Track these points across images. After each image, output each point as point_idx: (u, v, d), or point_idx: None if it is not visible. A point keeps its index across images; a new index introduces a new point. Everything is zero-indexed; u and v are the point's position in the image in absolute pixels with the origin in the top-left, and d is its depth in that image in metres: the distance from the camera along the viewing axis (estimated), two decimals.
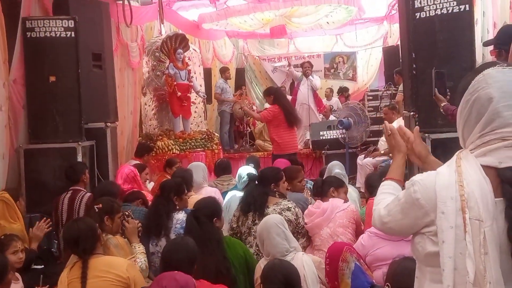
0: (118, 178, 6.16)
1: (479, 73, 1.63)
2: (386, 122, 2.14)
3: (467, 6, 4.82)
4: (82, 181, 5.20)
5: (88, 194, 4.96)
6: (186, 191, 4.64)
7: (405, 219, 1.70)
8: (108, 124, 6.22)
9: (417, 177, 1.67)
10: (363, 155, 8.37)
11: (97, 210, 3.69)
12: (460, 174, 1.57)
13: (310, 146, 9.71)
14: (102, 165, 6.06)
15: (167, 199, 4.36)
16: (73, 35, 5.63)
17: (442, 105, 4.20)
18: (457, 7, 4.82)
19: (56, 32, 5.59)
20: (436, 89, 4.22)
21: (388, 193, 1.88)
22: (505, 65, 1.62)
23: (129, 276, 3.09)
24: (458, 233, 1.53)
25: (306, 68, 10.36)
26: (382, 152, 7.87)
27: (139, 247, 3.74)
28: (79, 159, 5.56)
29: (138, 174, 6.35)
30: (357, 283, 2.84)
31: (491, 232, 1.51)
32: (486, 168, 1.58)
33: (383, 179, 2.00)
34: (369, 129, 8.90)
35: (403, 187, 1.95)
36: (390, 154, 7.55)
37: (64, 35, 5.61)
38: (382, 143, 7.97)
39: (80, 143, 5.62)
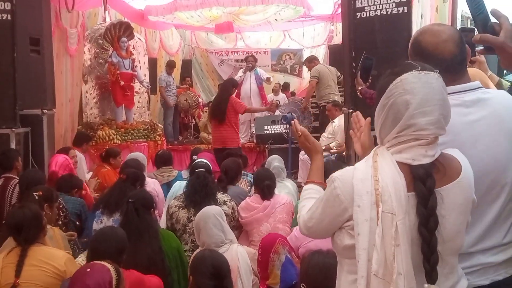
0: (52, 165, 5.98)
1: (397, 76, 1.66)
2: (295, 122, 2.16)
3: (405, 8, 4.97)
4: (15, 169, 5.05)
5: None
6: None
7: (326, 219, 1.73)
8: (45, 111, 6.03)
9: (337, 174, 1.71)
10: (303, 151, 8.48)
11: (37, 198, 3.59)
12: (376, 169, 1.62)
13: (254, 140, 9.77)
14: (38, 153, 5.87)
15: (131, 185, 4.47)
16: (9, 17, 5.43)
17: (359, 88, 4.32)
18: (396, 9, 4.96)
19: None
20: (359, 72, 4.33)
21: (310, 198, 1.91)
22: (421, 69, 1.66)
23: (66, 270, 3.04)
24: (372, 226, 1.58)
25: (250, 61, 10.38)
26: (323, 147, 8.01)
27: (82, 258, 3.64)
28: (13, 146, 5.38)
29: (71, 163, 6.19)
30: (285, 275, 2.89)
31: (403, 225, 1.56)
32: (401, 164, 1.64)
33: (305, 182, 2.02)
34: (312, 125, 9.05)
35: (324, 188, 2.00)
36: (332, 150, 7.75)
37: (0, 18, 5.40)
38: (324, 139, 8.10)
39: (14, 129, 5.44)
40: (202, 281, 2.76)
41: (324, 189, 1.93)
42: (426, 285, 1.57)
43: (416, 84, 1.62)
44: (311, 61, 9.57)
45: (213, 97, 10.47)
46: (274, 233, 3.35)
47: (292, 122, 2.17)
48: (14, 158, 5.08)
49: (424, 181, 1.59)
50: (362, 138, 2.00)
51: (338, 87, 9.13)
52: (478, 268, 1.95)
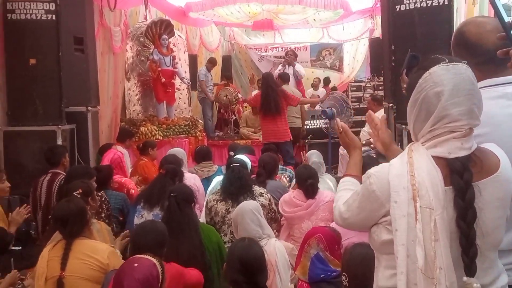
0: (104, 162, 6.16)
1: (425, 70, 1.66)
2: (337, 119, 2.18)
3: (446, 0, 4.87)
4: (62, 164, 5.21)
5: None
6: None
7: (363, 213, 1.74)
8: (89, 108, 6.21)
9: (372, 170, 1.72)
10: None
11: (79, 196, 3.70)
12: (412, 165, 1.62)
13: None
14: (83, 149, 6.07)
15: (170, 180, 4.55)
16: (54, 18, 5.62)
17: (404, 86, 4.26)
18: (436, 1, 4.87)
19: (37, 15, 5.57)
20: (405, 70, 4.27)
21: (347, 190, 1.93)
22: (449, 61, 1.65)
23: (109, 263, 3.12)
24: (410, 222, 1.58)
25: (290, 56, 10.35)
26: (364, 142, 7.89)
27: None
28: (59, 142, 5.57)
29: (124, 160, 6.37)
30: (312, 269, 2.89)
31: (442, 219, 1.56)
32: (437, 158, 1.63)
33: (342, 175, 2.04)
34: (352, 120, 8.96)
35: (361, 182, 2.00)
36: (372, 145, 7.66)
37: (45, 18, 5.60)
38: (364, 134, 8.01)
39: (60, 126, 5.64)
40: (231, 275, 2.79)
41: (361, 183, 1.94)
42: (465, 278, 1.56)
43: (446, 76, 1.62)
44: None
45: (254, 91, 10.54)
46: (320, 227, 3.35)
47: (336, 119, 2.19)
48: (62, 154, 5.25)
49: (461, 174, 1.58)
50: (381, 136, 2.01)
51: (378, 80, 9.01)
52: None
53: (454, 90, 1.61)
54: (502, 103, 1.87)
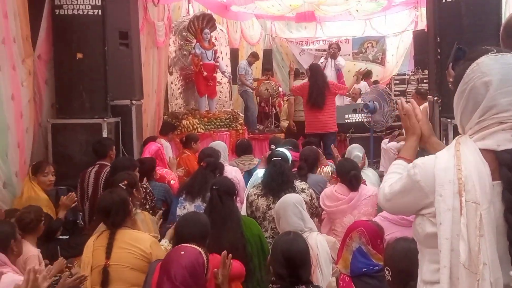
0: (145, 154, 6.29)
1: (473, 61, 1.64)
2: (402, 99, 2.13)
3: None
4: (109, 157, 5.35)
5: None
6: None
7: (405, 199, 1.73)
8: (134, 101, 6.33)
9: (418, 161, 1.70)
10: (387, 139, 8.32)
11: (124, 188, 3.79)
12: (459, 158, 1.59)
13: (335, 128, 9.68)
14: (127, 142, 6.18)
15: (211, 173, 4.63)
16: (100, 13, 5.73)
17: (450, 80, 4.16)
18: None
19: (84, 10, 5.70)
20: (451, 63, 4.17)
21: (396, 173, 1.91)
22: (496, 51, 1.63)
23: (151, 252, 3.20)
24: (455, 216, 1.55)
25: (333, 49, 10.25)
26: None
27: (165, 241, 3.78)
28: (105, 135, 5.70)
29: (164, 152, 6.47)
30: (354, 264, 2.88)
31: (488, 214, 1.53)
32: (485, 151, 1.60)
33: (395, 157, 2.03)
34: (395, 113, 8.81)
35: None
36: None
37: (92, 13, 5.72)
38: None
39: (105, 119, 5.77)
40: (275, 268, 2.81)
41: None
42: (511, 272, 1.53)
43: (494, 65, 1.60)
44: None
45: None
46: (362, 220, 3.33)
47: (401, 98, 2.15)
48: (109, 146, 5.39)
49: (510, 167, 1.55)
50: (422, 127, 1.96)
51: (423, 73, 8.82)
52: None
53: (503, 80, 1.58)
54: None
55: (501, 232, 1.55)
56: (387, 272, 2.27)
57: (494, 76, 1.59)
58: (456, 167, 1.58)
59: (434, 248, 1.61)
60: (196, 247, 2.58)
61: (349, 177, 4.34)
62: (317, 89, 7.88)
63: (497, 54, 1.62)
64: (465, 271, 1.53)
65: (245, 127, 9.51)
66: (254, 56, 11.28)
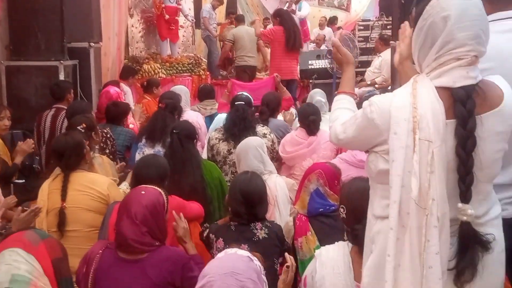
0: (102, 98, 6.15)
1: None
2: (333, 39, 2.13)
3: None
4: (66, 100, 5.22)
5: None
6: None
7: (360, 137, 1.75)
8: (92, 44, 6.13)
9: (375, 98, 1.71)
10: None
11: (83, 131, 3.71)
12: (415, 97, 1.61)
13: (298, 75, 9.66)
14: (85, 86, 6.04)
15: (170, 114, 4.57)
16: None
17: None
18: None
19: None
20: (414, 8, 4.15)
21: (343, 108, 1.93)
22: None
23: (109, 194, 3.17)
24: (408, 153, 1.58)
25: None
26: (369, 82, 7.87)
27: (125, 184, 3.71)
28: (61, 78, 5.54)
29: (123, 97, 6.34)
30: (311, 205, 2.93)
31: (440, 152, 1.56)
32: (441, 89, 1.61)
33: (336, 92, 2.03)
34: (358, 59, 8.83)
35: (355, 99, 1.99)
36: (376, 85, 7.60)
37: None
38: (369, 74, 7.95)
39: (62, 62, 5.59)
40: (233, 206, 2.85)
41: (355, 100, 1.92)
42: (460, 204, 1.58)
43: (453, 1, 1.61)
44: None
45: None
46: (320, 163, 3.36)
47: (336, 34, 2.16)
48: (67, 89, 5.25)
49: (464, 103, 1.57)
50: (401, 47, 1.94)
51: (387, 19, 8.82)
52: None
53: (462, 15, 1.59)
54: (511, 37, 1.82)
55: (451, 168, 1.59)
56: (341, 210, 2.31)
57: (453, 11, 1.59)
58: (412, 106, 1.60)
59: (385, 184, 1.64)
60: (156, 187, 2.57)
61: (308, 121, 4.37)
62: (293, 33, 7.81)
63: None
64: (415, 206, 1.56)
65: (208, 73, 9.39)
66: (218, 0, 11.00)
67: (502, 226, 1.73)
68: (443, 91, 1.61)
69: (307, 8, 10.43)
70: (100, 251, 2.40)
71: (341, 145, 1.92)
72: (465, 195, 1.58)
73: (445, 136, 1.58)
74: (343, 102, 1.98)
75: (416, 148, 1.56)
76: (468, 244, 1.60)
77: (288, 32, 7.78)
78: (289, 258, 2.25)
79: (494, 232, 1.66)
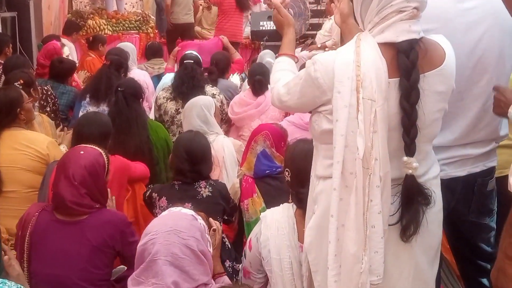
0: (42, 53, 5.86)
1: None
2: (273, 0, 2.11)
3: None
4: (4, 54, 4.97)
5: None
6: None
7: (303, 98, 1.72)
8: None
9: (318, 56, 1.69)
10: (299, 48, 8.32)
11: (20, 87, 3.52)
12: (358, 55, 1.59)
13: (249, 36, 9.53)
14: (25, 39, 5.77)
15: (116, 72, 4.43)
16: None
17: None
18: None
19: None
20: None
21: (285, 70, 1.90)
22: None
23: (49, 153, 3.04)
24: (351, 112, 1.57)
25: None
26: (319, 45, 7.85)
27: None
28: None
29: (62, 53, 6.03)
30: (257, 165, 2.92)
31: (382, 111, 1.56)
32: (384, 46, 1.60)
33: (276, 55, 2.01)
34: (309, 22, 8.78)
35: (296, 61, 1.97)
36: (327, 48, 7.60)
37: None
38: (320, 37, 7.92)
39: None
40: (176, 164, 2.80)
41: (296, 62, 1.90)
42: (405, 158, 1.59)
43: None
44: None
45: None
46: (267, 124, 3.34)
47: None
48: (5, 43, 5.00)
49: (408, 54, 1.57)
50: (341, 6, 1.95)
51: None
52: (456, 159, 1.98)
53: None
54: None
55: (394, 126, 1.59)
56: (286, 173, 2.30)
57: None
58: (355, 64, 1.58)
59: (328, 144, 1.63)
60: (95, 147, 2.48)
61: (253, 81, 4.34)
62: None
63: None
64: (360, 167, 1.57)
65: (156, 31, 9.12)
66: None
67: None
68: (386, 47, 1.60)
69: None
70: (36, 213, 2.31)
71: (285, 108, 1.88)
72: (409, 148, 1.59)
73: (387, 94, 1.57)
74: (284, 64, 1.95)
75: (360, 107, 1.56)
76: (412, 199, 1.62)
77: None
78: (213, 222, 2.22)
79: (434, 190, 1.69)
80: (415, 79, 1.56)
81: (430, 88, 1.61)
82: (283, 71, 1.88)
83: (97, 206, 2.33)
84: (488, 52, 1.93)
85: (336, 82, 1.59)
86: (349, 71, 1.58)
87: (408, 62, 1.56)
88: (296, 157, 2.26)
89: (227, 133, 4.43)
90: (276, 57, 2.03)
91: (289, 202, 2.30)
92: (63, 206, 2.27)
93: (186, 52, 4.93)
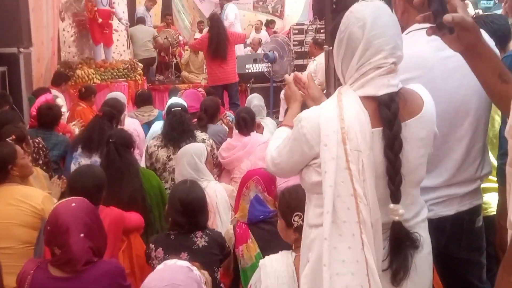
0: (35, 106, 5.90)
1: (346, 10, 1.75)
2: (286, 76, 2.23)
3: None
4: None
5: None
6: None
7: (294, 156, 1.78)
8: (21, 49, 5.91)
9: (303, 114, 1.76)
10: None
11: (13, 142, 3.55)
12: (341, 108, 1.66)
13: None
14: (15, 93, 5.82)
15: (108, 123, 4.45)
16: None
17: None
18: None
19: None
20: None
21: (280, 138, 1.96)
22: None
23: (44, 208, 3.04)
24: (339, 163, 1.63)
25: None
26: None
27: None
28: None
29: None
30: (252, 211, 2.95)
31: (368, 160, 1.62)
32: (365, 99, 1.68)
33: (278, 125, 2.08)
34: (294, 63, 8.98)
35: None
36: None
37: None
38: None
39: None
40: (173, 216, 2.83)
41: None
42: (391, 205, 1.65)
43: (366, 10, 1.70)
44: None
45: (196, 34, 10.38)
46: (256, 169, 3.39)
47: (285, 76, 2.25)
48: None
49: (389, 106, 1.64)
50: (310, 92, 2.07)
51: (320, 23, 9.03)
52: (443, 199, 2.05)
53: (375, 22, 1.68)
54: (436, 46, 1.91)
55: (380, 175, 1.66)
56: (297, 217, 2.32)
57: (368, 19, 1.68)
58: (339, 117, 1.65)
59: (319, 194, 1.69)
60: (82, 198, 2.48)
61: (238, 118, 4.45)
62: (217, 40, 7.86)
63: (366, 0, 1.73)
64: (346, 213, 1.62)
65: (144, 78, 9.26)
66: (150, 0, 10.87)
67: (429, 227, 1.83)
68: (368, 100, 1.68)
69: (232, 12, 10.45)
70: (31, 271, 2.30)
71: (279, 171, 1.92)
72: (395, 195, 1.64)
73: (372, 144, 1.64)
74: (282, 133, 2.01)
75: (349, 158, 1.62)
76: (401, 244, 1.67)
77: (215, 38, 7.87)
78: (204, 274, 2.23)
79: (422, 234, 1.74)
80: (397, 130, 1.63)
81: (412, 135, 1.68)
82: (279, 139, 1.94)
83: (95, 259, 2.33)
84: (468, 97, 2.02)
85: (323, 136, 1.65)
86: (334, 125, 1.65)
87: (389, 113, 1.64)
88: (288, 200, 2.30)
89: (219, 176, 4.48)
90: (279, 126, 2.10)
91: (284, 246, 2.34)
92: (68, 262, 2.26)
93: (172, 101, 5.03)
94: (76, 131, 5.61)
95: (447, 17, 1.46)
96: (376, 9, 1.70)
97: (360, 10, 1.70)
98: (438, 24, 1.53)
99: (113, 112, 4.61)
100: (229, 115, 5.79)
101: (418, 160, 1.72)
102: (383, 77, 1.67)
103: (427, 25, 1.79)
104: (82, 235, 2.27)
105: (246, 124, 4.44)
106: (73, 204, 2.39)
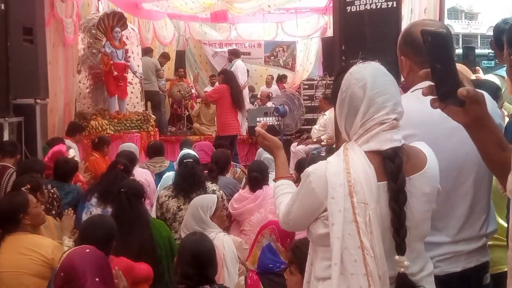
0: (49, 156, 6.02)
1: (345, 72, 1.83)
2: (257, 128, 2.30)
3: (394, 3, 5.09)
4: (14, 158, 5.10)
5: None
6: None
7: (304, 210, 1.82)
8: (38, 100, 6.08)
9: (310, 168, 1.81)
10: (296, 142, 8.57)
11: (28, 192, 3.62)
12: (347, 163, 1.72)
13: (246, 132, 9.83)
14: (31, 143, 5.94)
15: (126, 175, 4.52)
16: (3, 7, 5.46)
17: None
18: (385, 3, 5.07)
19: None
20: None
21: (286, 193, 2.01)
22: (362, 61, 1.83)
23: (54, 257, 3.08)
24: (346, 216, 1.67)
25: (229, 55, 11.03)
26: (315, 140, 8.09)
27: (68, 241, 3.68)
28: (6, 135, 5.44)
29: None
30: (261, 260, 2.97)
31: (375, 213, 1.67)
32: (370, 154, 1.74)
33: (274, 179, 2.15)
34: (304, 117, 9.11)
35: (293, 180, 2.10)
36: (322, 142, 7.83)
37: None
38: (315, 131, 8.18)
39: (7, 119, 5.50)
40: (182, 268, 2.83)
41: (293, 181, 2.03)
42: (396, 257, 1.67)
43: (365, 71, 1.78)
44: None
45: (206, 87, 10.67)
46: (275, 221, 3.43)
47: (256, 128, 2.29)
48: (16, 149, 5.15)
49: (393, 159, 1.70)
50: (270, 143, 2.20)
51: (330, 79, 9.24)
52: (449, 256, 2.05)
53: (375, 81, 1.76)
54: None
55: (386, 227, 1.69)
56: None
57: (368, 79, 1.77)
58: (345, 171, 1.70)
59: (326, 247, 1.72)
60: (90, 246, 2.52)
61: (250, 177, 4.51)
62: (238, 93, 8.62)
63: (364, 62, 1.83)
64: (353, 265, 1.64)
65: (156, 129, 9.41)
66: (164, 57, 11.18)
67: (435, 284, 1.83)
68: (373, 154, 1.74)
69: (240, 68, 10.65)
70: None
71: (292, 227, 1.97)
72: (400, 247, 1.68)
73: (378, 197, 1.69)
74: (284, 188, 2.06)
75: (356, 211, 1.66)
76: None
77: (234, 90, 8.51)
78: None
79: None
80: (401, 182, 1.68)
81: (417, 190, 1.73)
82: (283, 195, 1.99)
83: None
84: (471, 155, 2.05)
85: (330, 189, 1.70)
86: (340, 178, 1.70)
87: (394, 167, 1.69)
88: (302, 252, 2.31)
89: (228, 228, 4.50)
90: (274, 181, 2.15)
91: None
92: None
93: (184, 153, 5.12)
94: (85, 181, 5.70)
95: (462, 91, 1.39)
96: (374, 69, 1.79)
97: (359, 72, 1.79)
98: (440, 96, 1.46)
99: (129, 167, 4.71)
100: (237, 169, 5.87)
101: (423, 215, 1.76)
102: (387, 132, 1.74)
103: (431, 83, 1.87)
104: (97, 279, 2.29)
105: (258, 182, 4.50)
106: (87, 250, 2.44)
